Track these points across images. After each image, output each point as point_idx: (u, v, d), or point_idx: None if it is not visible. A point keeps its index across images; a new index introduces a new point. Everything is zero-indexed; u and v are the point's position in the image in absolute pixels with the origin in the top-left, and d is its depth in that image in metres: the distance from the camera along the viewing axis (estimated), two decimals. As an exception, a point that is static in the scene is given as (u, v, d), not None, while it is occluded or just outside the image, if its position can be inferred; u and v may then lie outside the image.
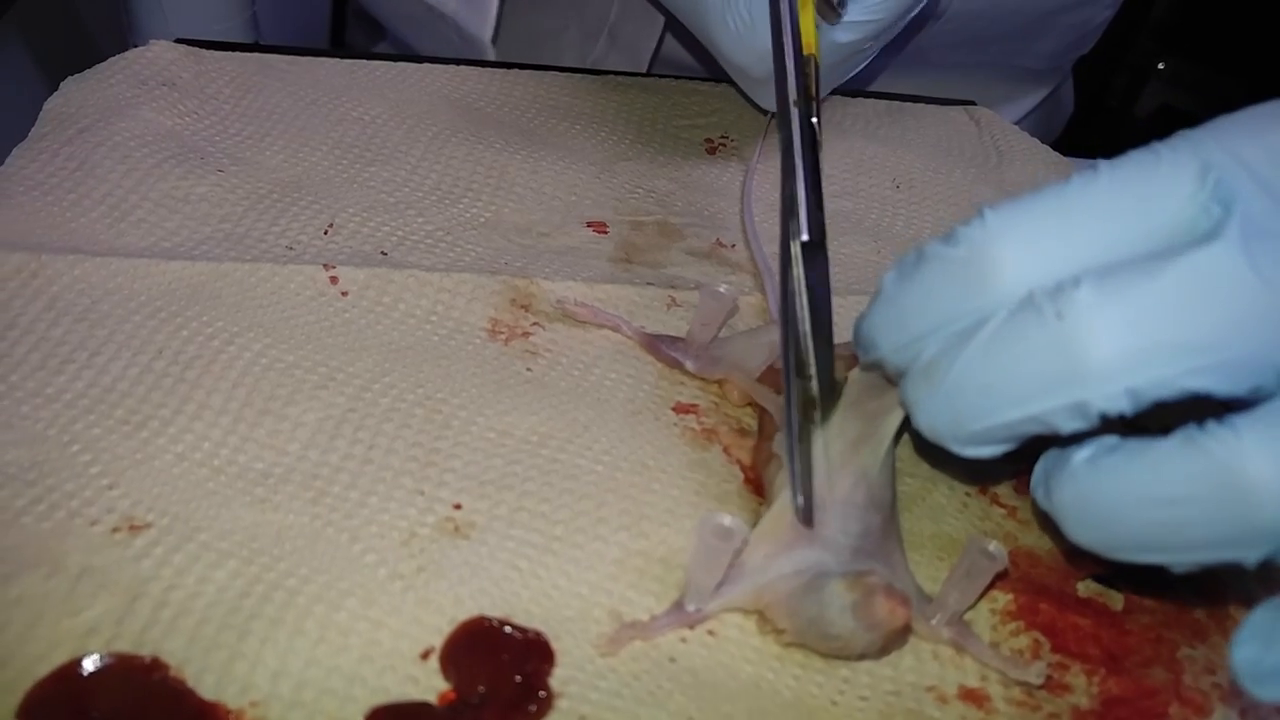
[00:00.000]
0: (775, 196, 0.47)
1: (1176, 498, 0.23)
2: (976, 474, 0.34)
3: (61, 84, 0.43)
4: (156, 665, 0.26)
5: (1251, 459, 0.22)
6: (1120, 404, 0.23)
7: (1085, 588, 0.32)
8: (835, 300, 0.41)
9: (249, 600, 0.27)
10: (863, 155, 0.51)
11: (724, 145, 0.50)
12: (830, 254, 0.44)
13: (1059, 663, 0.30)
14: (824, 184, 0.49)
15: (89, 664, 0.25)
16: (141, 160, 0.40)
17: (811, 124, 0.33)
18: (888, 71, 0.65)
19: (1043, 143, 0.82)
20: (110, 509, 0.29)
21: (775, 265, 0.42)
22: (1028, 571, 0.32)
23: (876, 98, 0.57)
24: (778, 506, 0.29)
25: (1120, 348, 0.23)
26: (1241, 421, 0.23)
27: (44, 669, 0.25)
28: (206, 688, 0.25)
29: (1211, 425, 0.23)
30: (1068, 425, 0.24)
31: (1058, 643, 0.30)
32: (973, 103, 0.59)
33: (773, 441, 0.31)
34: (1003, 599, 0.31)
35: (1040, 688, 0.29)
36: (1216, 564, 0.24)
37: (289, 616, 0.27)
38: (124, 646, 0.26)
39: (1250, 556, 0.23)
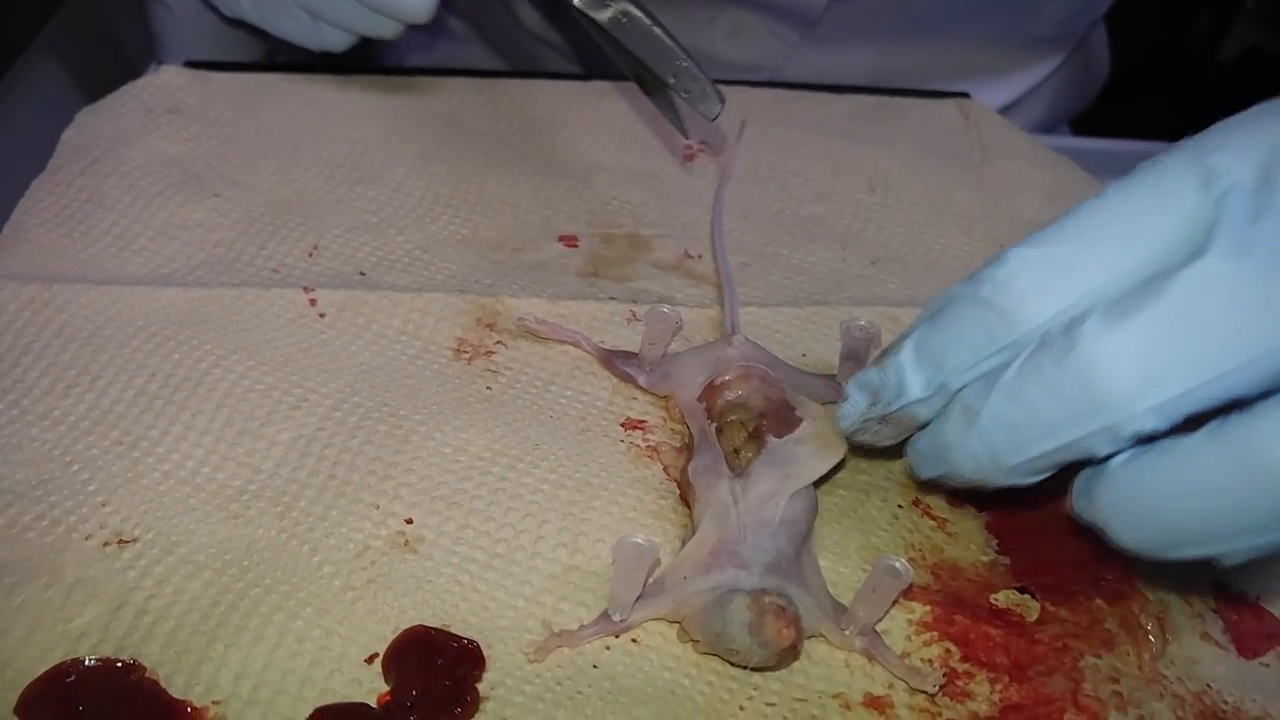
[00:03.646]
0: (747, 204, 0.49)
1: (1209, 488, 0.24)
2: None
3: (76, 115, 0.47)
4: (134, 667, 0.29)
5: (1273, 442, 0.23)
6: (1149, 422, 0.24)
7: (1007, 597, 0.34)
8: (794, 312, 0.43)
9: (219, 609, 0.31)
10: (840, 156, 0.52)
11: (701, 152, 0.51)
12: (795, 263, 0.46)
13: (966, 671, 0.32)
14: (799, 188, 0.50)
15: (78, 666, 0.29)
16: (146, 189, 0.44)
17: None
18: (886, 47, 0.64)
19: (1072, 111, 0.79)
20: (103, 524, 0.33)
21: (737, 277, 0.44)
22: (948, 583, 0.34)
23: (866, 93, 0.57)
24: (697, 538, 0.31)
25: (1135, 372, 0.24)
26: (1261, 407, 0.23)
27: (40, 669, 0.29)
28: (176, 688, 0.29)
29: (1235, 415, 0.24)
30: (1104, 449, 0.25)
31: (967, 652, 0.32)
32: (966, 95, 0.58)
33: (689, 467, 0.33)
34: (920, 610, 0.33)
35: (942, 694, 0.31)
36: (1264, 552, 0.25)
37: (252, 624, 0.30)
38: (108, 650, 0.30)
39: None
